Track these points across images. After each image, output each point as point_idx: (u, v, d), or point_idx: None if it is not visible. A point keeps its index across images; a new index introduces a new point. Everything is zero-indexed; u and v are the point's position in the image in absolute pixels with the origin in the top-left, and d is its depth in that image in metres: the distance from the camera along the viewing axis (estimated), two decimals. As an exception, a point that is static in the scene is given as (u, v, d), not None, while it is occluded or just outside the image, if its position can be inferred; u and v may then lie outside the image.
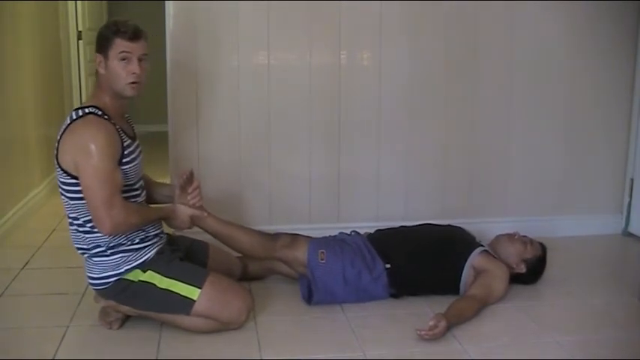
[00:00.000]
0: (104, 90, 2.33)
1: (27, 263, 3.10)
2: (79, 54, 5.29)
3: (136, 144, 2.42)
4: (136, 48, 2.27)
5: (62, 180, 2.28)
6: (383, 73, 3.31)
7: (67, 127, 2.25)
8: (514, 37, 3.38)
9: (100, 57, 2.29)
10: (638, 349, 2.33)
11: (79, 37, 5.27)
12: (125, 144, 2.30)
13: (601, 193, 3.66)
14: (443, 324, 2.32)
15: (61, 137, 2.26)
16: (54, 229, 3.66)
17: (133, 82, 2.28)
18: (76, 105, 5.27)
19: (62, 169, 2.25)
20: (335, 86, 3.28)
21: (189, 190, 2.55)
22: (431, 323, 2.31)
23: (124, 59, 2.26)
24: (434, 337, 2.30)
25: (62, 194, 2.31)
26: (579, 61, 3.48)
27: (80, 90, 5.34)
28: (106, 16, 6.11)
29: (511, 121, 3.47)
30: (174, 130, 3.21)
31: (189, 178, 2.56)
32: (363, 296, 2.64)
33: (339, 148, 3.34)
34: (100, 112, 2.26)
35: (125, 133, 2.34)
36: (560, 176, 3.58)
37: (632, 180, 3.62)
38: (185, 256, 2.52)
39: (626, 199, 3.65)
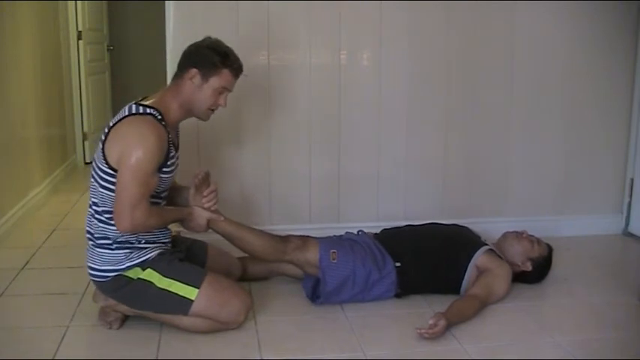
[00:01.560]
0: (178, 97, 2.36)
1: (27, 263, 3.10)
2: (79, 54, 5.29)
3: (176, 156, 2.44)
4: (234, 84, 2.39)
5: (100, 165, 2.28)
6: (383, 73, 3.31)
7: (123, 118, 2.26)
8: (514, 36, 3.38)
9: (198, 74, 2.33)
10: (638, 349, 2.33)
11: (79, 37, 5.28)
12: (170, 154, 2.33)
13: (601, 193, 3.66)
14: (442, 323, 2.32)
15: (114, 125, 2.26)
16: (54, 229, 3.66)
17: (212, 110, 2.38)
18: (77, 105, 5.33)
19: (104, 157, 2.25)
20: (335, 86, 3.28)
21: (205, 194, 2.56)
22: (431, 322, 2.32)
23: (221, 93, 2.36)
24: (433, 335, 2.30)
25: (93, 177, 2.31)
26: (579, 61, 3.48)
27: (80, 90, 5.35)
28: (106, 16, 6.11)
29: (511, 120, 3.47)
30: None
31: (205, 179, 2.57)
32: (368, 295, 2.64)
33: (339, 148, 3.34)
34: (159, 117, 2.27)
35: (173, 144, 2.37)
36: (561, 176, 3.58)
37: (632, 180, 3.62)
38: (185, 257, 2.52)
39: (626, 199, 3.65)
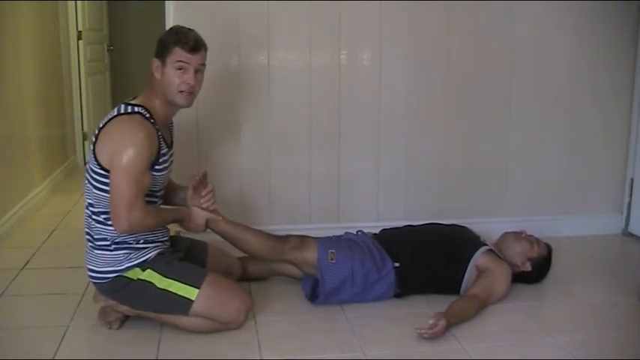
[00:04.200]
0: (156, 93, 2.35)
1: (27, 263, 3.10)
2: (79, 54, 5.29)
3: (170, 153, 2.44)
4: (194, 59, 2.31)
5: (92, 167, 2.28)
6: (383, 73, 3.31)
7: (111, 119, 2.26)
8: (514, 36, 3.38)
9: (157, 62, 2.32)
10: (638, 349, 2.33)
11: (79, 37, 5.28)
12: (162, 151, 2.33)
13: (601, 193, 3.66)
14: (442, 323, 2.32)
15: (103, 126, 2.27)
16: (54, 229, 3.66)
17: (184, 92, 2.32)
18: (77, 105, 5.33)
19: (96, 159, 2.26)
20: (335, 86, 3.28)
21: (203, 194, 2.56)
22: (430, 322, 2.32)
23: (180, 69, 2.29)
24: (433, 335, 2.31)
25: (87, 179, 2.31)
26: (579, 61, 3.48)
27: (80, 90, 5.35)
28: (106, 16, 6.11)
29: (511, 120, 3.47)
30: (174, 130, 3.20)
31: (202, 180, 2.57)
32: (367, 296, 2.64)
33: (339, 148, 3.34)
34: (147, 115, 2.28)
35: (164, 141, 2.36)
36: (561, 176, 3.58)
37: (632, 180, 3.62)
38: (185, 257, 2.52)
39: (626, 199, 3.65)
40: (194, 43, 2.31)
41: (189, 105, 2.39)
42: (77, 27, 5.26)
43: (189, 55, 2.30)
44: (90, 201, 2.33)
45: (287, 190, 3.34)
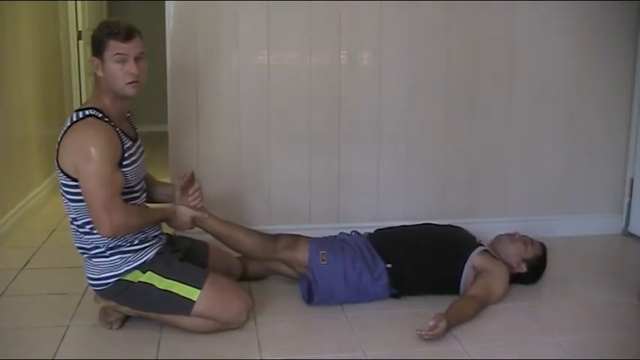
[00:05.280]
0: (104, 92, 2.33)
1: (27, 263, 3.10)
2: (79, 54, 5.28)
3: (137, 145, 2.41)
4: (130, 48, 2.27)
5: (62, 182, 2.28)
6: (383, 74, 3.31)
7: (67, 129, 2.25)
8: (514, 36, 3.38)
9: (96, 60, 2.29)
10: (638, 349, 2.33)
11: (79, 37, 5.27)
12: (125, 146, 2.30)
13: (601, 193, 3.66)
14: (443, 324, 2.32)
15: (61, 139, 2.26)
16: (54, 229, 3.66)
17: (131, 82, 2.28)
18: (76, 105, 5.32)
19: (62, 171, 2.25)
20: (335, 86, 3.28)
21: (190, 192, 2.55)
22: (431, 323, 2.31)
23: (120, 61, 2.25)
24: (434, 337, 2.31)
25: (63, 195, 2.31)
26: (579, 61, 3.48)
27: (80, 90, 5.34)
28: (106, 16, 6.11)
29: (511, 120, 3.47)
30: (174, 130, 3.21)
31: (190, 180, 2.56)
32: (363, 297, 2.64)
33: (339, 148, 3.34)
34: (100, 115, 2.26)
35: (126, 135, 2.33)
36: (560, 176, 3.57)
37: (632, 180, 3.62)
38: (185, 257, 2.52)
39: (626, 199, 3.65)
40: (127, 32, 2.26)
41: (137, 94, 2.32)
42: (77, 27, 5.25)
43: (124, 45, 2.25)
44: (72, 215, 2.32)
45: (286, 190, 3.34)
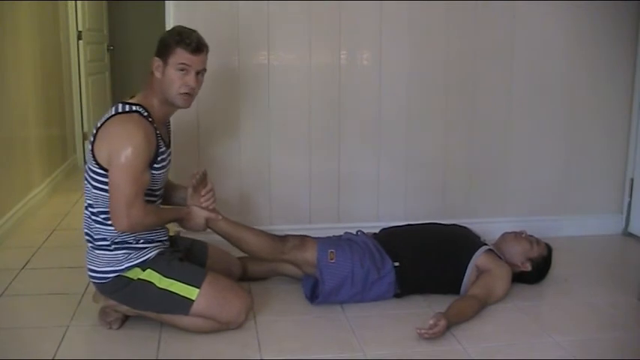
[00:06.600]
0: (155, 92, 2.35)
1: (27, 263, 3.10)
2: (79, 54, 5.29)
3: (169, 152, 2.44)
4: (196, 61, 2.31)
5: (91, 167, 2.28)
6: (383, 73, 3.31)
7: (109, 118, 2.26)
8: (514, 36, 3.38)
9: (158, 61, 2.31)
10: (638, 349, 2.33)
11: (79, 37, 5.28)
12: (160, 150, 2.33)
13: (601, 193, 3.66)
14: (442, 323, 2.32)
15: (101, 125, 2.26)
16: (54, 229, 3.66)
17: (185, 94, 2.31)
18: (76, 105, 5.33)
19: (94, 159, 2.26)
20: (335, 86, 3.28)
21: (203, 193, 2.57)
22: (431, 322, 2.32)
23: (182, 70, 2.29)
24: (433, 336, 2.30)
25: (86, 179, 2.32)
26: (579, 61, 3.48)
27: (80, 90, 5.35)
28: (106, 16, 6.10)
29: (511, 120, 3.47)
30: (174, 130, 3.20)
31: (202, 179, 2.57)
32: (367, 296, 2.64)
33: (339, 148, 3.34)
34: (145, 114, 2.28)
35: (163, 140, 2.36)
36: (561, 176, 3.58)
37: (632, 180, 3.62)
38: (185, 257, 2.52)
39: (626, 199, 3.65)
40: (197, 45, 2.30)
41: (187, 107, 2.39)
42: (77, 27, 5.26)
43: (191, 57, 2.29)
44: (89, 201, 2.33)
45: (287, 190, 3.34)
